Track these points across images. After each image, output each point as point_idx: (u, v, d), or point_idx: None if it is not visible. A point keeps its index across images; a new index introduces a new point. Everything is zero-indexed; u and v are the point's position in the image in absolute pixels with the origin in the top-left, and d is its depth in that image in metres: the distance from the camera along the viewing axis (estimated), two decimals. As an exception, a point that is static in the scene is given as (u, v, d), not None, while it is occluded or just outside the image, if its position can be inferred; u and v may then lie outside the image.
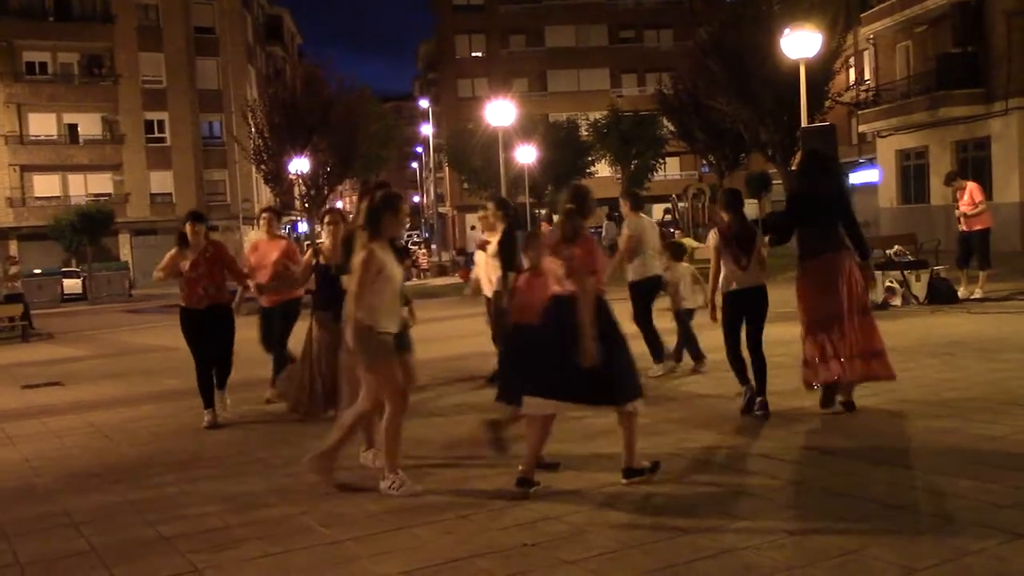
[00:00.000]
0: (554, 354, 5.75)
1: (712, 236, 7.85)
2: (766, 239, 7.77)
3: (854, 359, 7.39)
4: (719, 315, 7.77)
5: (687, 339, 10.00)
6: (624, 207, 10.15)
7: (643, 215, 10.49)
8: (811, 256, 7.56)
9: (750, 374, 7.72)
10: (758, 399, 7.57)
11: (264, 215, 9.96)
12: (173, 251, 8.90)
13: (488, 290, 9.70)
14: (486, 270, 9.73)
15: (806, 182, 7.79)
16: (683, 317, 10.02)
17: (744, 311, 7.67)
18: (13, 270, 25.77)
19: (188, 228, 8.82)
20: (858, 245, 7.63)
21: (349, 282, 6.09)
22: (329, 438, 6.26)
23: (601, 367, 5.64)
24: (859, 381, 7.58)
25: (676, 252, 10.44)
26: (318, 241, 10.31)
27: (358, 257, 5.99)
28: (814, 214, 7.56)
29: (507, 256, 9.04)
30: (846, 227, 7.60)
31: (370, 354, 5.97)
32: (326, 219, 8.50)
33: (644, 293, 9.96)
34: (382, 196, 6.14)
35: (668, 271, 10.12)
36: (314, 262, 8.23)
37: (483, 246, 9.88)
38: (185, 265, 8.72)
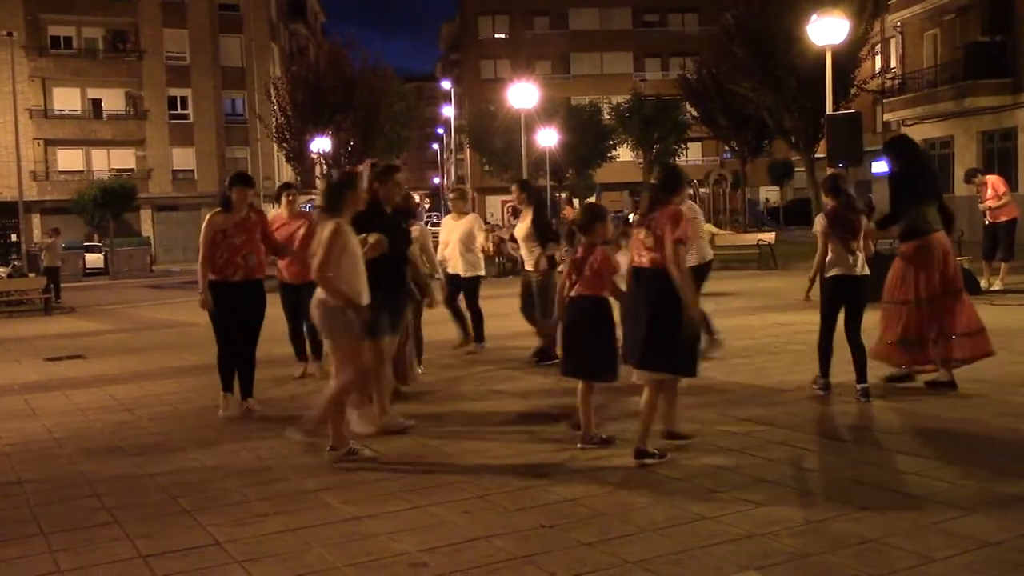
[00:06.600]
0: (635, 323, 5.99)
1: (819, 221, 7.77)
2: (871, 224, 7.99)
3: (951, 337, 7.75)
4: (811, 295, 7.85)
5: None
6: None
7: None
8: (924, 234, 7.82)
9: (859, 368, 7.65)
10: (860, 386, 7.53)
11: (288, 193, 9.94)
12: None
13: (529, 265, 10.36)
14: (524, 248, 10.39)
15: (915, 161, 8.19)
16: None
17: (846, 299, 7.61)
18: (48, 242, 26.14)
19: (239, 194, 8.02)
20: (948, 223, 8.03)
21: (313, 259, 6.34)
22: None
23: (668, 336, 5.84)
24: (958, 360, 7.84)
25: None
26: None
27: (324, 231, 6.29)
28: (932, 193, 7.98)
29: (542, 232, 10.19)
30: (941, 207, 8.00)
31: (334, 330, 6.36)
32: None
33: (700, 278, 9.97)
34: (339, 176, 6.52)
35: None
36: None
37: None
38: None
